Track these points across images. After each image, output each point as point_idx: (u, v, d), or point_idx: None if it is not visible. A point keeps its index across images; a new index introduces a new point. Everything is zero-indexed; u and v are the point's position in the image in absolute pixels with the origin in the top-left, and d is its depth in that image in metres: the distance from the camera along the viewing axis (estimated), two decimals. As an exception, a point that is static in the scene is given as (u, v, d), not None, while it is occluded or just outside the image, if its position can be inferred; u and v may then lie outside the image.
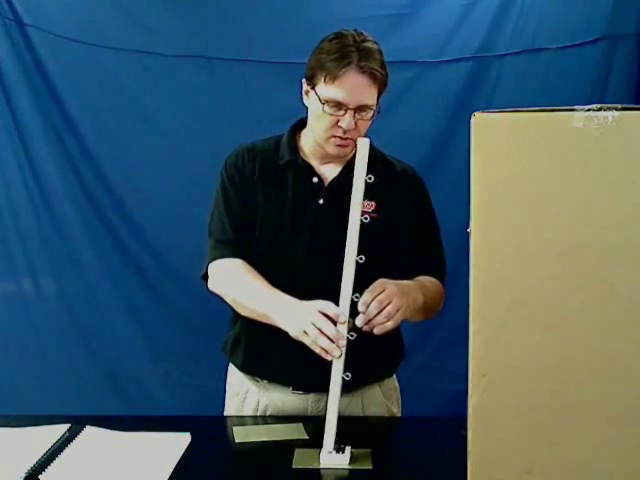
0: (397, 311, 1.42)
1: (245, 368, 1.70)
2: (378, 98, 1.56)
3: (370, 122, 1.57)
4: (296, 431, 1.51)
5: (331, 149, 1.58)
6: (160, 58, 2.63)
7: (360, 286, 1.61)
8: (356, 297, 1.39)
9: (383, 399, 1.71)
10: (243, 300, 1.58)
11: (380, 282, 1.45)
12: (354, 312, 1.39)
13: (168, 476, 1.33)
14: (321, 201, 1.61)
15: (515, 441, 1.08)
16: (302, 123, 1.67)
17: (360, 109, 1.52)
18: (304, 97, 1.61)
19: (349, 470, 1.34)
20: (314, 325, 1.37)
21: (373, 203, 1.60)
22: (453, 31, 2.64)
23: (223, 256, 1.62)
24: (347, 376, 1.36)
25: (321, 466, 1.35)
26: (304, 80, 1.59)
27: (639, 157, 1.00)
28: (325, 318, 1.38)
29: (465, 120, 1.05)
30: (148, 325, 2.76)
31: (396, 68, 2.66)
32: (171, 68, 2.64)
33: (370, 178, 1.42)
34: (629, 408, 1.05)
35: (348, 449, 1.36)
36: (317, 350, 1.38)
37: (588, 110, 1.00)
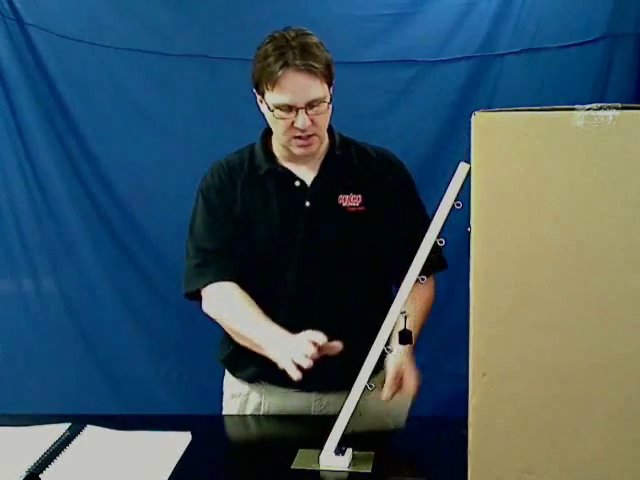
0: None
1: (250, 379, 1.70)
2: (330, 87, 1.54)
3: (329, 113, 1.54)
4: None
5: (296, 150, 1.56)
6: (161, 57, 2.62)
7: (354, 285, 1.61)
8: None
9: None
10: (238, 329, 1.58)
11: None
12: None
13: (169, 475, 1.33)
14: (307, 203, 1.60)
15: (515, 441, 1.08)
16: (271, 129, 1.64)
17: (311, 105, 1.50)
18: (260, 105, 1.58)
19: (348, 473, 1.33)
20: (305, 356, 1.36)
21: (359, 196, 1.60)
22: (453, 30, 2.63)
23: (216, 277, 1.60)
24: (370, 386, 1.34)
25: (320, 468, 1.34)
26: (254, 90, 1.57)
27: (639, 157, 1.00)
28: (315, 349, 1.36)
29: (465, 119, 1.05)
30: (148, 324, 2.76)
31: (396, 67, 2.70)
32: (172, 67, 2.63)
33: (459, 205, 1.21)
34: (629, 408, 1.05)
35: (349, 451, 1.35)
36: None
37: (588, 109, 1.00)
